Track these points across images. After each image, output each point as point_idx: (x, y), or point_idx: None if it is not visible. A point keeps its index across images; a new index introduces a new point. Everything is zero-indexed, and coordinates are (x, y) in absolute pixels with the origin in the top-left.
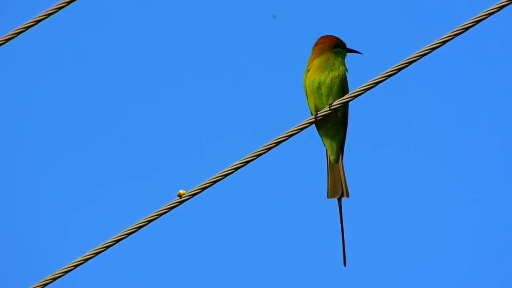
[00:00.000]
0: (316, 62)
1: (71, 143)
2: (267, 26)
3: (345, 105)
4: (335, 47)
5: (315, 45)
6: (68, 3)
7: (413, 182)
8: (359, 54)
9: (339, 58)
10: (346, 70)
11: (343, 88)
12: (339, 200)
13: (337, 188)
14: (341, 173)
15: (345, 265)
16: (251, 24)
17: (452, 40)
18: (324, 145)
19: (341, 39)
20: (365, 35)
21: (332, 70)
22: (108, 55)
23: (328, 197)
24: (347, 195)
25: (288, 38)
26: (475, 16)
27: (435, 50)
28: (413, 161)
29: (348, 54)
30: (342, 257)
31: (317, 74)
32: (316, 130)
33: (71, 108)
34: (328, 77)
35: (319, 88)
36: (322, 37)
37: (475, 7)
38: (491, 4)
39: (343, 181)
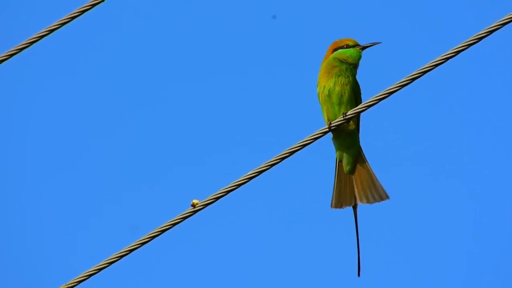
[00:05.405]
0: (322, 67)
1: (81, 152)
2: (268, 27)
3: (357, 115)
4: (334, 51)
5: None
6: (71, 18)
7: (429, 192)
8: (378, 44)
9: (344, 65)
10: (355, 73)
11: (355, 96)
12: (354, 208)
13: (343, 198)
14: (355, 182)
15: (359, 275)
16: (253, 24)
17: (466, 50)
18: (337, 154)
19: (346, 38)
20: (370, 35)
21: (340, 76)
22: (112, 63)
23: (332, 206)
24: (387, 197)
25: (292, 40)
26: (486, 28)
27: (448, 60)
28: (430, 172)
29: (368, 56)
30: (356, 267)
31: (325, 80)
32: (327, 139)
33: (78, 116)
34: (337, 83)
35: (329, 96)
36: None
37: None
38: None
39: (357, 190)
